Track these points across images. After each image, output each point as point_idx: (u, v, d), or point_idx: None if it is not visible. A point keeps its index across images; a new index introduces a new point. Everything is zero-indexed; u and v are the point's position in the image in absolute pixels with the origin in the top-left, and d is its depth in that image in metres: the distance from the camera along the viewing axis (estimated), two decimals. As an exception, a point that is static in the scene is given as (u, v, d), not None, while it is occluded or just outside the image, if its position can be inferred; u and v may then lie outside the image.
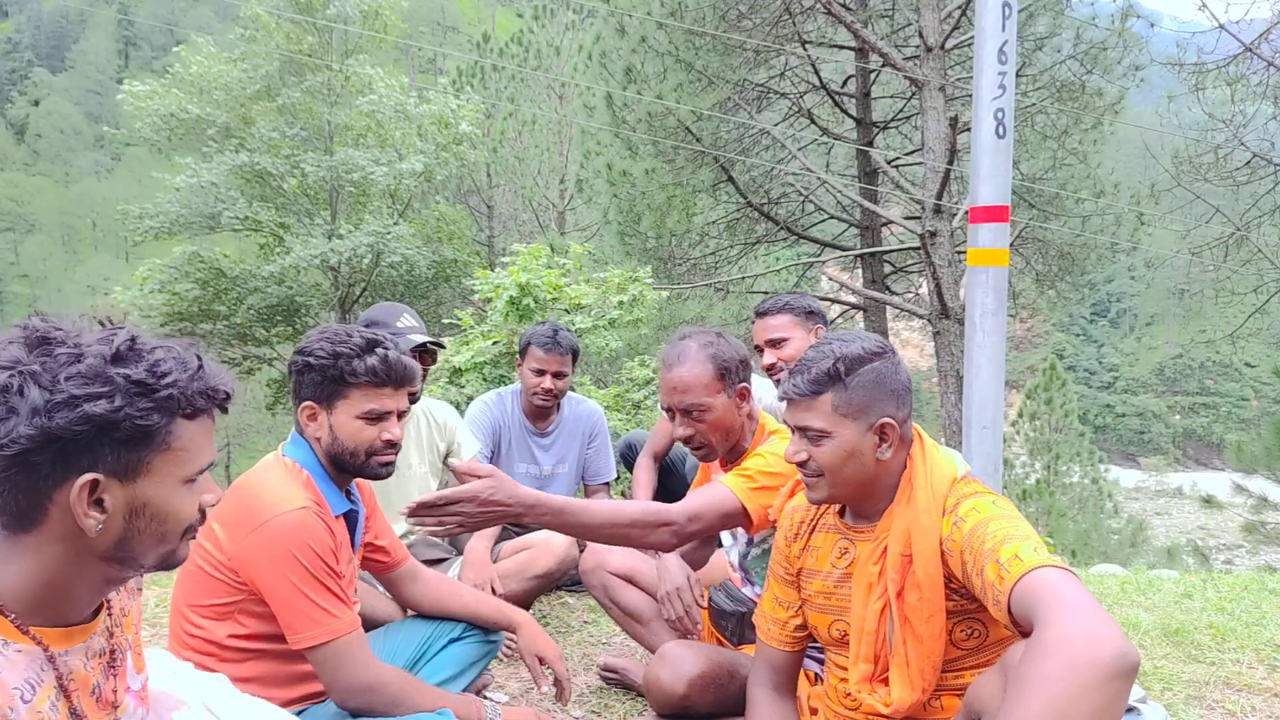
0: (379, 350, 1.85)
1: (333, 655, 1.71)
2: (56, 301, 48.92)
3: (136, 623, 1.33)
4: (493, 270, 8.29)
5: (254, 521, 1.71)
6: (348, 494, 1.93)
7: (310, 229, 19.42)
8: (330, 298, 20.12)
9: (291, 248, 18.50)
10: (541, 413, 3.40)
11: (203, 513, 1.16)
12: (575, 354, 3.33)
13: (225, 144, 19.06)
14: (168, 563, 1.15)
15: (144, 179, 33.75)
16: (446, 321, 8.68)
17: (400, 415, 1.91)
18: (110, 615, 1.21)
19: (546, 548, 2.86)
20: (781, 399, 1.71)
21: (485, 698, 2.35)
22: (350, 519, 1.95)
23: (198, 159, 19.07)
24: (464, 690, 2.09)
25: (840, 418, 1.63)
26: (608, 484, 3.61)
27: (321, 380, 1.84)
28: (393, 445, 1.88)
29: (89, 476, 1.01)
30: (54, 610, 1.08)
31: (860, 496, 1.70)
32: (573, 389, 3.60)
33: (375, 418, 1.86)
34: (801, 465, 1.69)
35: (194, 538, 1.18)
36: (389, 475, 1.92)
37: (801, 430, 1.67)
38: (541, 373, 3.28)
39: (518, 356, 3.40)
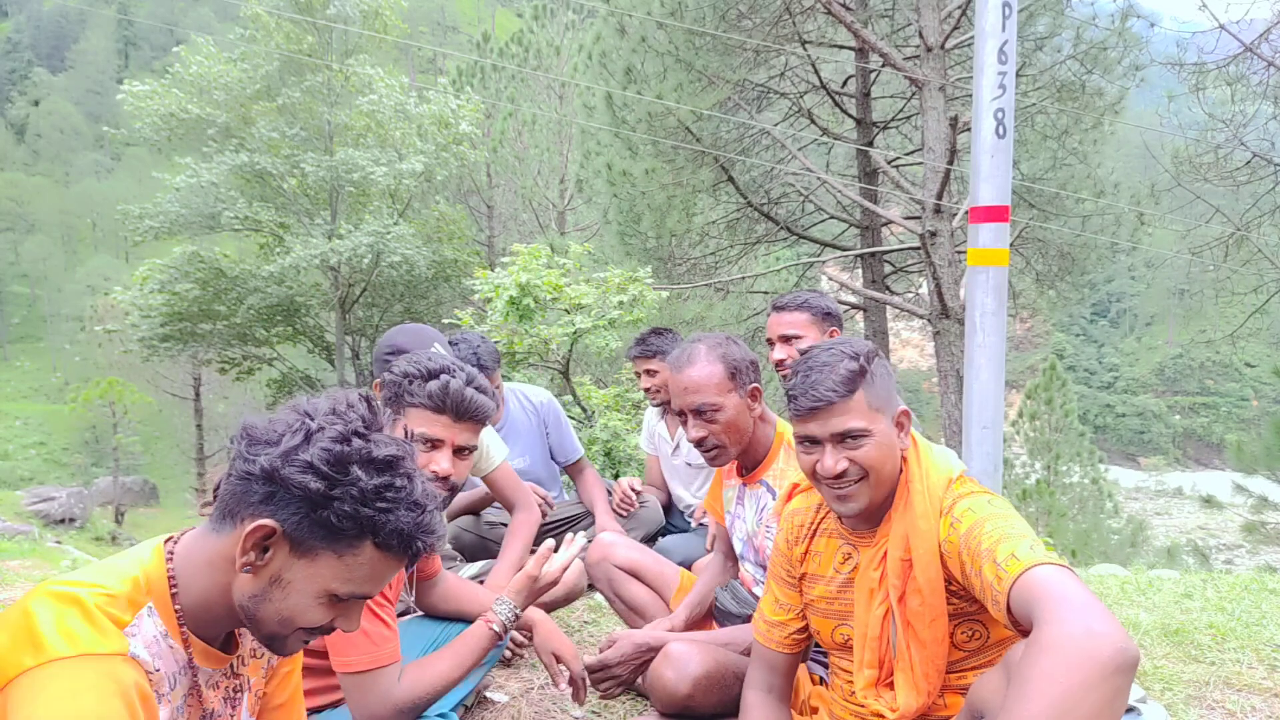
0: (443, 377, 1.85)
1: (366, 683, 1.71)
2: (56, 301, 48.87)
3: (279, 673, 1.39)
4: (493, 270, 8.28)
5: None
6: None
7: (310, 229, 19.42)
8: (330, 298, 20.12)
9: (291, 248, 18.50)
10: None
11: (328, 630, 1.18)
12: (497, 363, 3.32)
13: (225, 144, 19.07)
14: (273, 645, 1.18)
15: (144, 179, 33.75)
16: (447, 321, 8.68)
17: (460, 452, 1.88)
18: (239, 652, 1.28)
19: None
20: (810, 408, 1.59)
21: (485, 698, 2.35)
22: None
23: (198, 159, 19.07)
24: (467, 692, 2.10)
25: (874, 413, 1.60)
26: (581, 458, 3.58)
27: (390, 397, 1.87)
28: (441, 480, 1.85)
29: (269, 523, 1.10)
30: (203, 623, 1.16)
31: (886, 496, 1.65)
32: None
33: (426, 443, 1.84)
34: (839, 477, 1.60)
35: (307, 641, 1.20)
36: None
37: (839, 437, 1.59)
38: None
39: None
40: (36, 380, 48.53)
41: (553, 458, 3.58)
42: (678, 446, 3.58)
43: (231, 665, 1.25)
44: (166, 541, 1.17)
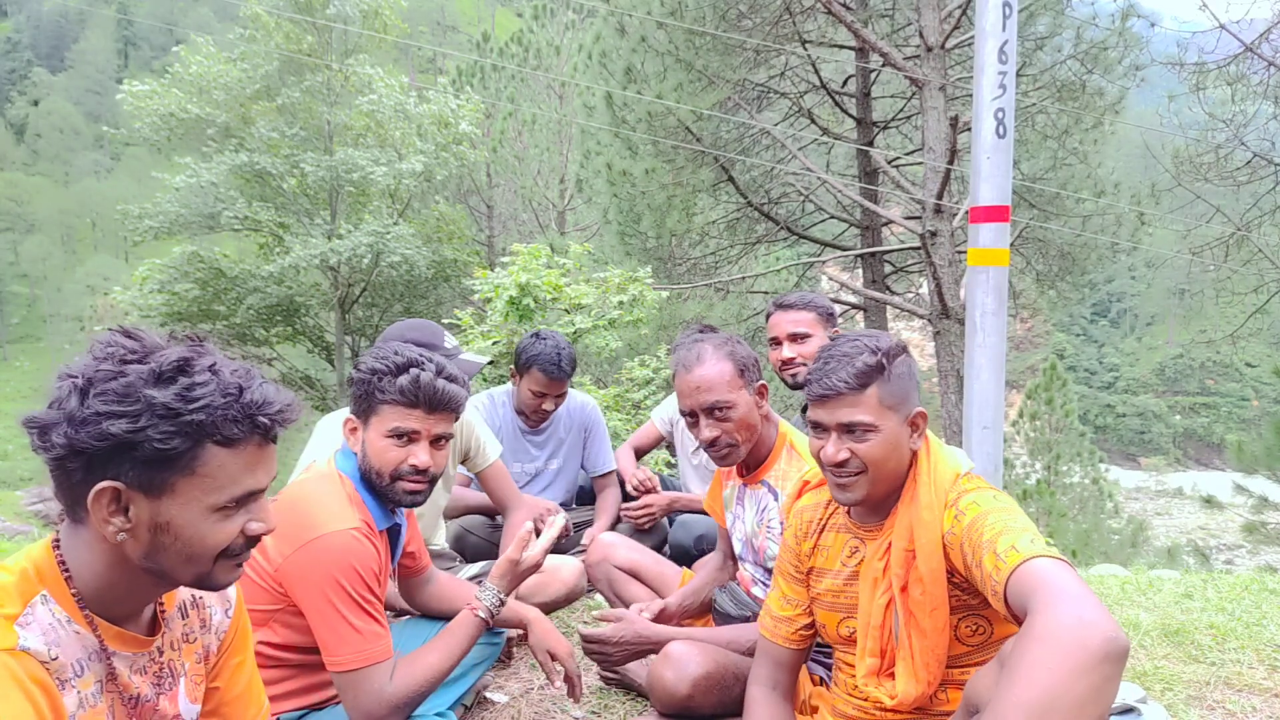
0: (413, 370, 1.83)
1: (359, 681, 1.71)
2: (56, 301, 48.92)
3: (216, 659, 1.35)
4: (493, 270, 8.28)
5: (302, 536, 1.71)
6: (393, 509, 1.92)
7: (310, 229, 19.42)
8: (330, 298, 20.12)
9: (291, 248, 18.49)
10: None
11: (249, 539, 1.15)
12: (574, 368, 3.31)
13: (225, 144, 19.06)
14: (205, 583, 1.16)
15: (144, 179, 33.74)
16: (446, 321, 8.66)
17: (437, 442, 1.87)
18: (167, 635, 1.23)
19: (556, 575, 2.82)
20: (820, 395, 1.65)
21: (485, 699, 2.35)
22: (393, 533, 1.94)
23: (197, 159, 19.06)
24: (465, 691, 2.10)
25: (885, 410, 1.64)
26: (611, 473, 3.56)
27: (360, 395, 1.86)
28: (421, 472, 1.84)
29: (107, 485, 1.05)
30: (109, 605, 1.13)
31: (889, 492, 1.69)
32: (571, 385, 3.60)
33: (401, 437, 1.83)
34: (840, 466, 1.65)
35: (240, 564, 1.17)
36: (416, 504, 1.87)
37: (844, 427, 1.64)
38: (542, 395, 3.25)
39: (514, 368, 3.34)
40: (36, 380, 48.46)
41: (583, 465, 3.58)
42: (699, 448, 3.57)
43: (159, 648, 1.22)
44: (54, 537, 1.15)
